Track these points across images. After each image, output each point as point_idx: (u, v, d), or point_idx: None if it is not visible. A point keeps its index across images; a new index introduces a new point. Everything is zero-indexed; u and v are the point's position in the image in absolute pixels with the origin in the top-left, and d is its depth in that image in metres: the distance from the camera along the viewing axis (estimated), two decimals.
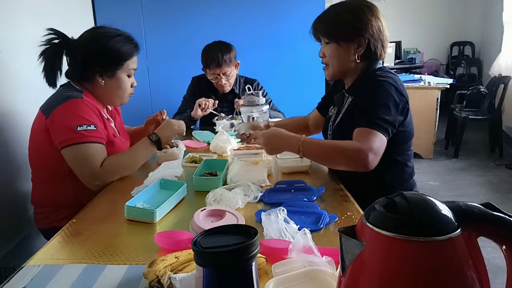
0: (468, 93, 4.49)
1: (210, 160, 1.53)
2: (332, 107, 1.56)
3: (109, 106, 1.64)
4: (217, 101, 2.21)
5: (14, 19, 1.88)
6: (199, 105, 2.15)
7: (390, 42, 5.43)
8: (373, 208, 0.53)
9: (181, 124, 1.66)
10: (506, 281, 0.52)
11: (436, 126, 4.24)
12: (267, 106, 1.88)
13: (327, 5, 1.47)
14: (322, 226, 1.00)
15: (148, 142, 1.54)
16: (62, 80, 1.52)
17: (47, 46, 1.45)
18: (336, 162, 1.23)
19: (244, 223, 0.99)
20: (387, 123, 1.21)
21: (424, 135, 4.14)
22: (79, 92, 1.47)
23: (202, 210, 1.03)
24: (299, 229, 0.90)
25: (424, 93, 4.13)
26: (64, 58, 1.50)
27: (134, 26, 2.97)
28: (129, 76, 1.55)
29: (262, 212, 0.99)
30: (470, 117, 4.34)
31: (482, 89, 4.52)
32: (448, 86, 4.20)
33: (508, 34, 4.69)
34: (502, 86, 4.25)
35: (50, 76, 1.47)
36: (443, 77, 4.96)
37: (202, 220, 0.99)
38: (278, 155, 1.49)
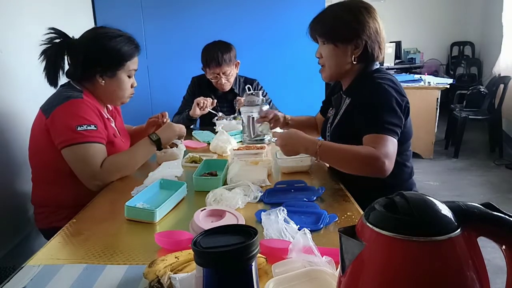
0: (468, 93, 4.49)
1: (210, 160, 1.53)
2: (330, 108, 1.57)
3: (109, 106, 1.64)
4: (215, 100, 2.21)
5: (14, 19, 1.89)
6: (197, 104, 2.15)
7: (390, 42, 5.38)
8: (373, 208, 0.53)
9: (182, 128, 1.67)
10: (506, 281, 0.52)
11: (436, 126, 4.24)
12: (267, 106, 1.88)
13: (327, 5, 1.46)
14: (322, 226, 1.00)
15: (148, 142, 1.54)
16: (62, 80, 1.52)
17: (49, 45, 1.45)
18: (352, 168, 1.23)
19: (244, 223, 0.99)
20: (395, 126, 1.23)
21: (424, 135, 4.14)
22: (79, 92, 1.47)
23: (202, 210, 1.03)
24: (299, 229, 0.90)
25: (424, 93, 4.13)
26: (65, 58, 1.50)
27: (134, 26, 2.97)
28: (129, 77, 1.55)
29: (262, 212, 0.99)
30: (470, 117, 4.34)
31: (482, 89, 4.52)
32: (448, 86, 4.20)
33: (508, 34, 4.69)
34: (502, 86, 4.25)
35: (52, 75, 1.47)
36: (443, 77, 4.96)
37: (202, 220, 0.99)
38: (278, 155, 1.49)
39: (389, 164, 1.17)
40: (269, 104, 2.19)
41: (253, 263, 0.53)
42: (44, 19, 2.11)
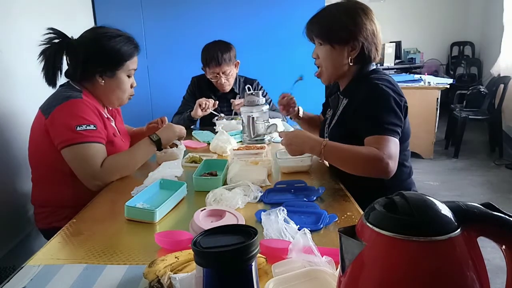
0: (468, 93, 4.49)
1: (210, 160, 1.53)
2: (328, 109, 1.57)
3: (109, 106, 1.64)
4: (217, 102, 2.21)
5: (14, 19, 1.89)
6: (200, 105, 2.15)
7: (390, 42, 5.38)
8: (373, 208, 0.53)
9: (182, 128, 1.67)
10: (506, 281, 0.52)
11: (436, 126, 4.24)
12: (267, 106, 1.88)
13: (326, 4, 1.46)
14: (322, 226, 1.00)
15: (148, 142, 1.54)
16: (61, 80, 1.52)
17: (47, 46, 1.45)
18: (356, 169, 1.24)
19: (244, 223, 0.99)
20: (396, 126, 1.24)
21: (424, 135, 4.14)
22: (79, 92, 1.47)
23: (202, 210, 1.03)
24: (299, 229, 0.89)
25: (424, 93, 4.13)
26: (64, 58, 1.50)
27: (134, 26, 2.98)
28: (129, 77, 1.55)
29: (262, 212, 0.99)
30: (470, 117, 4.34)
31: (482, 89, 4.52)
32: (448, 86, 4.20)
33: (508, 34, 4.69)
34: (502, 86, 4.25)
35: (50, 75, 1.47)
36: (443, 77, 4.96)
37: (202, 220, 0.99)
38: (278, 155, 1.49)
39: (393, 165, 1.18)
40: (269, 104, 2.19)
41: (253, 263, 0.53)
42: (44, 19, 2.11)
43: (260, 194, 1.21)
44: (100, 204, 1.27)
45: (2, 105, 1.77)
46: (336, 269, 0.76)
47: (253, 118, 1.80)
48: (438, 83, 4.21)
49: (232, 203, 1.12)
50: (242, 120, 1.91)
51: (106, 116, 1.54)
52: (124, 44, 1.49)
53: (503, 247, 0.51)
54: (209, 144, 1.85)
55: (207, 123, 2.31)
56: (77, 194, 1.40)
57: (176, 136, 1.64)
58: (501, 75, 4.56)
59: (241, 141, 1.91)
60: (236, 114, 2.28)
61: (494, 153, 4.36)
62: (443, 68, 6.68)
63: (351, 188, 1.28)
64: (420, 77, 4.40)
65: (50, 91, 1.51)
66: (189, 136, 2.06)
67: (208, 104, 2.16)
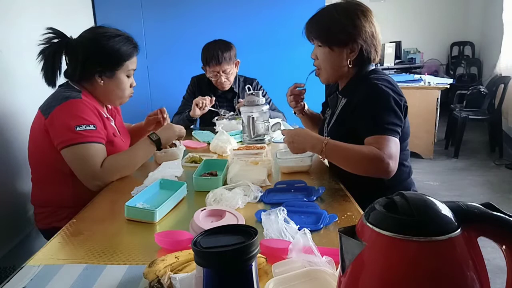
0: (468, 93, 4.49)
1: (210, 160, 1.53)
2: (327, 109, 1.57)
3: (109, 105, 1.64)
4: (214, 98, 2.21)
5: (15, 18, 1.89)
6: (196, 105, 2.15)
7: (390, 42, 5.39)
8: (373, 208, 0.53)
9: (181, 128, 1.67)
10: (506, 281, 0.52)
11: (436, 126, 4.24)
12: (267, 106, 1.88)
13: (326, 5, 1.46)
14: (322, 226, 1.00)
15: (148, 141, 1.54)
16: (61, 80, 1.52)
17: (47, 46, 1.45)
18: (357, 168, 1.24)
19: (244, 223, 0.99)
20: (396, 125, 1.24)
21: (424, 135, 4.14)
22: (78, 92, 1.47)
23: (202, 210, 1.03)
24: (299, 229, 0.89)
25: (424, 93, 4.13)
26: (63, 58, 1.50)
27: (134, 26, 2.98)
28: (128, 77, 1.55)
29: (262, 212, 0.99)
30: (470, 117, 4.34)
31: (482, 89, 4.52)
32: (448, 86, 4.20)
33: (508, 34, 4.69)
34: (502, 86, 4.25)
35: (50, 75, 1.47)
36: (443, 77, 4.96)
37: (202, 220, 0.99)
38: (278, 155, 1.49)
39: (394, 165, 1.18)
40: (269, 104, 2.19)
41: (253, 263, 0.53)
42: (44, 19, 2.11)
43: (260, 194, 1.21)
44: (100, 204, 1.27)
45: (2, 105, 1.76)
46: (336, 269, 0.76)
47: (253, 118, 1.80)
48: (438, 83, 4.21)
49: (232, 203, 1.12)
50: (242, 120, 1.91)
51: (105, 116, 1.54)
52: (123, 44, 1.49)
53: (503, 247, 0.51)
54: (209, 144, 1.85)
55: (207, 123, 2.31)
56: (77, 194, 1.40)
57: (176, 136, 1.64)
58: (501, 75, 4.56)
59: (241, 141, 1.91)
60: (234, 110, 2.28)
61: (494, 153, 4.36)
62: (443, 68, 6.68)
63: (351, 188, 1.28)
64: (420, 77, 4.40)
65: (49, 91, 1.51)
66: (189, 136, 2.06)
67: (205, 102, 2.15)
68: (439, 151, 4.50)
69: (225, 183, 1.31)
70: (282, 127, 1.75)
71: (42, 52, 1.45)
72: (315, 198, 1.18)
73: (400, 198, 0.51)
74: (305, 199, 1.17)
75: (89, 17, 2.93)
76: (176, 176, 1.38)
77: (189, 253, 0.83)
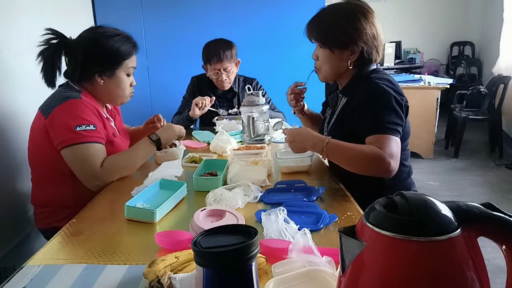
0: (468, 93, 4.49)
1: (210, 160, 1.53)
2: (328, 108, 1.57)
3: (108, 106, 1.64)
4: (214, 97, 2.21)
5: (15, 18, 1.89)
6: (196, 105, 2.15)
7: (390, 42, 5.38)
8: (373, 208, 0.53)
9: (181, 128, 1.67)
10: (506, 281, 0.52)
11: (436, 126, 4.24)
12: (267, 106, 1.88)
13: (327, 4, 1.46)
14: (322, 226, 1.00)
15: (148, 141, 1.54)
16: (60, 80, 1.52)
17: (46, 46, 1.45)
18: (358, 168, 1.24)
19: (244, 223, 0.99)
20: (397, 125, 1.24)
21: (424, 135, 4.14)
22: (78, 92, 1.47)
23: (202, 210, 1.03)
24: (299, 229, 0.89)
25: (424, 93, 4.13)
26: (63, 58, 1.50)
27: (134, 26, 2.98)
28: (128, 75, 1.55)
29: (262, 212, 0.99)
30: (470, 117, 4.34)
31: (482, 89, 4.52)
32: (448, 86, 4.21)
33: (508, 34, 4.69)
34: (502, 86, 4.25)
35: (49, 76, 1.47)
36: (443, 77, 4.96)
37: (202, 220, 0.99)
38: (278, 155, 1.49)
39: (395, 164, 1.18)
40: (269, 103, 2.19)
41: (253, 263, 0.53)
42: (44, 19, 2.11)
43: (260, 194, 1.21)
44: (100, 204, 1.27)
45: (2, 105, 1.77)
46: (336, 269, 0.76)
47: (253, 118, 1.80)
48: (438, 83, 4.21)
49: (232, 203, 1.12)
50: (242, 120, 1.91)
51: (105, 116, 1.54)
52: (122, 43, 1.49)
53: (503, 247, 0.51)
54: (209, 144, 1.85)
55: (207, 123, 2.30)
56: (77, 194, 1.40)
57: (175, 136, 1.64)
58: (501, 75, 4.56)
59: (241, 141, 1.91)
60: (236, 114, 2.28)
61: (494, 153, 4.36)
62: (443, 68, 6.69)
63: (351, 188, 1.28)
64: (420, 77, 4.40)
65: (49, 91, 1.51)
66: (189, 136, 2.06)
67: (205, 102, 2.15)
68: (439, 151, 4.50)
69: (225, 183, 1.31)
70: (284, 126, 1.76)
71: (41, 53, 1.45)
72: (315, 198, 1.18)
73: (400, 198, 0.51)
74: (305, 199, 1.17)
75: (89, 17, 2.93)
76: (176, 176, 1.38)
77: (189, 253, 0.83)
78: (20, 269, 0.87)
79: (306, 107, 1.73)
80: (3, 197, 1.71)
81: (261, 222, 0.97)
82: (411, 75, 4.62)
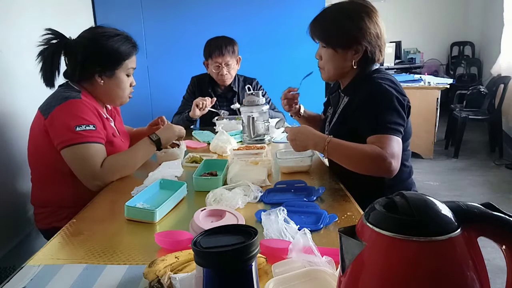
0: (468, 93, 4.50)
1: (210, 160, 1.53)
2: (329, 107, 1.57)
3: (108, 106, 1.64)
4: (214, 98, 2.21)
5: (15, 18, 1.89)
6: (197, 106, 2.15)
7: (390, 42, 5.37)
8: (373, 208, 0.52)
9: (181, 128, 1.68)
10: (506, 281, 0.52)
11: (436, 126, 4.24)
12: (267, 106, 1.88)
13: (327, 4, 1.46)
14: (322, 226, 1.00)
15: (148, 141, 1.54)
16: (60, 80, 1.52)
17: (45, 46, 1.45)
18: (359, 167, 1.24)
19: (244, 223, 0.99)
20: (398, 125, 1.24)
21: (424, 135, 4.14)
22: (77, 92, 1.47)
23: (202, 210, 1.03)
24: (299, 229, 0.89)
25: (424, 93, 4.13)
26: (62, 58, 1.50)
27: (134, 26, 2.98)
28: (128, 76, 1.55)
29: (262, 212, 0.99)
30: (470, 117, 4.34)
31: (482, 89, 4.52)
32: (448, 86, 4.21)
33: (508, 34, 4.69)
34: (502, 86, 4.25)
35: (48, 76, 1.47)
36: (443, 77, 4.96)
37: (202, 220, 0.99)
38: (278, 154, 1.49)
39: (396, 164, 1.18)
40: (269, 103, 2.19)
41: (253, 263, 0.53)
42: (44, 19, 2.11)
43: (260, 194, 1.21)
44: (100, 204, 1.27)
45: (2, 105, 1.77)
46: (336, 269, 0.76)
47: (253, 118, 1.80)
48: (438, 83, 4.21)
49: (232, 203, 1.12)
50: (242, 120, 1.91)
51: (105, 116, 1.54)
52: (122, 43, 1.49)
53: (503, 247, 0.51)
54: (209, 144, 1.85)
55: (207, 123, 2.30)
56: (77, 194, 1.40)
57: (175, 136, 1.64)
58: (501, 75, 4.56)
59: (241, 141, 1.91)
60: (235, 114, 2.28)
61: (494, 153, 4.36)
62: (443, 68, 6.69)
63: (351, 188, 1.28)
64: (420, 77, 4.40)
65: (49, 91, 1.51)
66: (189, 136, 2.06)
67: (205, 103, 2.15)
68: (439, 151, 4.50)
69: (225, 183, 1.31)
70: (286, 124, 1.76)
71: (41, 53, 1.45)
72: (315, 198, 1.18)
73: (400, 198, 0.51)
74: (305, 199, 1.17)
75: (89, 17, 2.93)
76: (176, 176, 1.38)
77: (189, 253, 0.83)
78: (20, 269, 0.87)
79: (302, 109, 1.73)
80: (3, 197, 1.71)
81: (261, 222, 0.97)
82: (411, 75, 4.62)
